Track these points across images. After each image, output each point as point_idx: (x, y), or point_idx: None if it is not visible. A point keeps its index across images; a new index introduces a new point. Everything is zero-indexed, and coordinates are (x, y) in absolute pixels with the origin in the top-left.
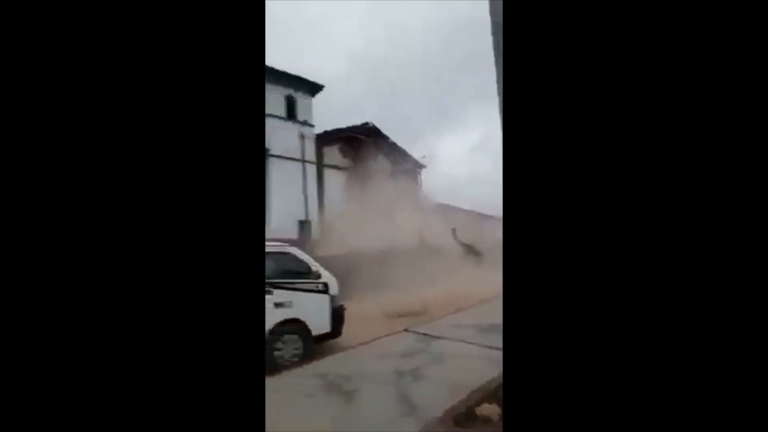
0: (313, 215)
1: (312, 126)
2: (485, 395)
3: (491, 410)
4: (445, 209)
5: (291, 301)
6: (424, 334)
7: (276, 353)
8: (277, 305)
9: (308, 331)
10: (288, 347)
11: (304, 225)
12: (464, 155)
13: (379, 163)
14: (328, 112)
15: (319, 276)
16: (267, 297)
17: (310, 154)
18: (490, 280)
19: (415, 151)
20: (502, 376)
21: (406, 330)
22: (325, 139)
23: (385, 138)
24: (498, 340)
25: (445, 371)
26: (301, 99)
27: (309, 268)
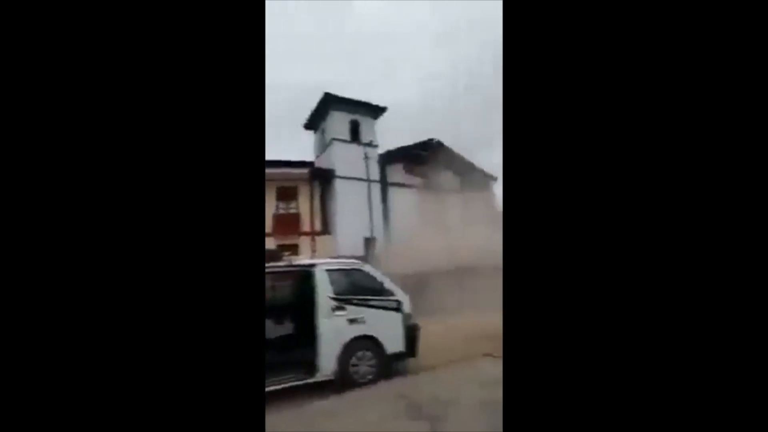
0: (379, 233)
1: (375, 146)
2: None
3: None
4: None
5: (363, 317)
6: None
7: (351, 369)
8: (351, 321)
9: (382, 348)
10: (364, 364)
11: (369, 242)
12: None
13: (446, 177)
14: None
15: (392, 294)
16: (340, 313)
17: (375, 173)
18: None
19: (483, 164)
20: None
21: (485, 355)
22: (389, 158)
23: (450, 152)
24: None
25: None
26: (364, 122)
27: (382, 285)
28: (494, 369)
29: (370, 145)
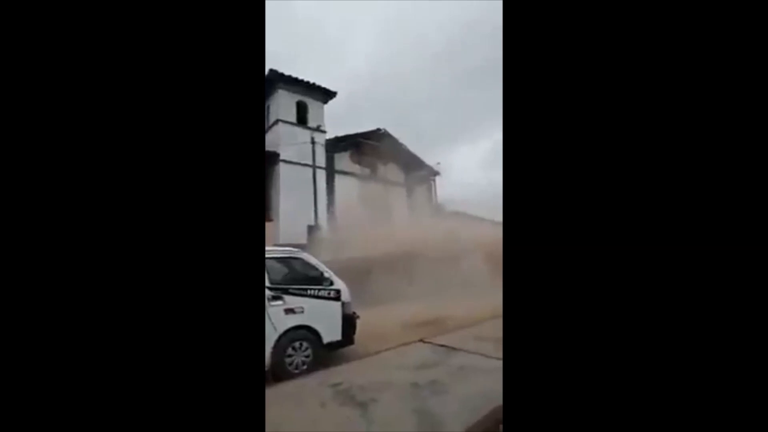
0: (323, 221)
1: (324, 132)
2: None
3: None
4: (460, 217)
5: (302, 308)
6: (442, 346)
7: (287, 359)
8: (288, 311)
9: (319, 338)
10: (298, 355)
11: (312, 230)
12: (478, 164)
13: (392, 169)
14: (339, 121)
15: (331, 283)
16: (277, 303)
17: (321, 159)
18: None
19: (428, 159)
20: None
21: (421, 341)
22: (337, 145)
23: (398, 144)
24: None
25: (464, 388)
26: (312, 105)
27: (321, 274)
28: (428, 353)
29: (317, 129)
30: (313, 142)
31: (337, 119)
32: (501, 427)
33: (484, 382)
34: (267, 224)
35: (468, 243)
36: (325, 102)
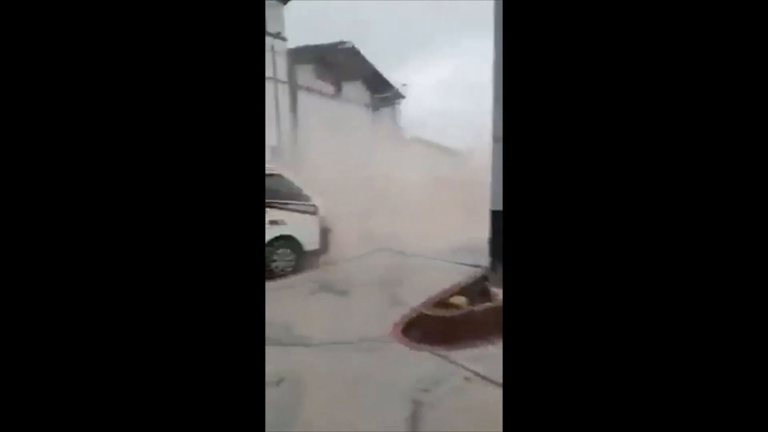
0: (286, 142)
1: (285, 40)
2: (455, 292)
3: (460, 300)
4: (419, 143)
5: (284, 220)
6: (401, 252)
7: (272, 264)
8: (272, 222)
9: (300, 246)
10: (282, 259)
11: (275, 151)
12: (439, 87)
13: (356, 87)
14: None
15: (309, 199)
16: None
17: (282, 72)
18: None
19: (392, 79)
20: (467, 283)
21: (380, 250)
22: (298, 57)
23: (364, 61)
24: (465, 259)
25: (421, 279)
26: (270, 6)
27: (300, 191)
28: (388, 260)
29: (278, 36)
30: (273, 51)
31: (295, 24)
32: (451, 299)
33: (433, 276)
34: None
35: (425, 168)
36: (285, 2)
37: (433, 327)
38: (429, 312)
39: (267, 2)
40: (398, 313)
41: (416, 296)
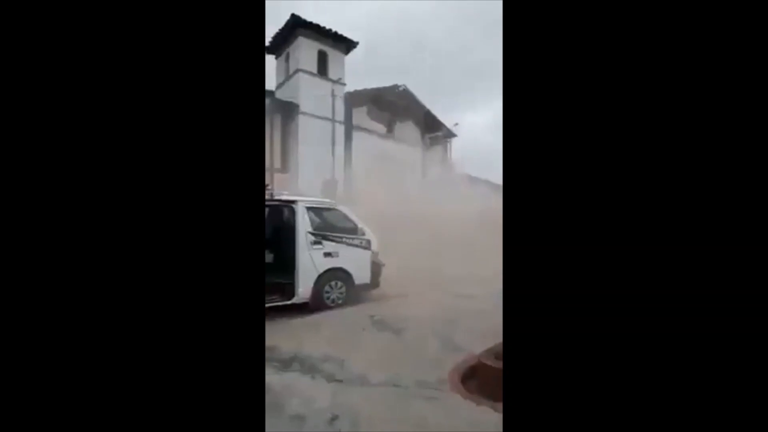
0: (340, 177)
1: (344, 84)
2: None
3: None
4: (470, 180)
5: (338, 252)
6: (452, 291)
7: (325, 294)
8: (326, 254)
9: (352, 279)
10: (334, 291)
11: (328, 185)
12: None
13: (408, 128)
14: (356, 70)
15: (363, 233)
16: (318, 247)
17: (340, 114)
18: None
19: (446, 120)
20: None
21: (432, 288)
22: (355, 99)
23: (416, 102)
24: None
25: (476, 323)
26: (333, 55)
27: (355, 225)
28: (442, 298)
29: (338, 82)
30: (333, 95)
31: (354, 69)
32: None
33: (492, 321)
34: (281, 176)
35: (478, 206)
36: (347, 53)
37: (492, 380)
38: (490, 363)
39: (329, 51)
40: (454, 359)
41: (472, 341)
